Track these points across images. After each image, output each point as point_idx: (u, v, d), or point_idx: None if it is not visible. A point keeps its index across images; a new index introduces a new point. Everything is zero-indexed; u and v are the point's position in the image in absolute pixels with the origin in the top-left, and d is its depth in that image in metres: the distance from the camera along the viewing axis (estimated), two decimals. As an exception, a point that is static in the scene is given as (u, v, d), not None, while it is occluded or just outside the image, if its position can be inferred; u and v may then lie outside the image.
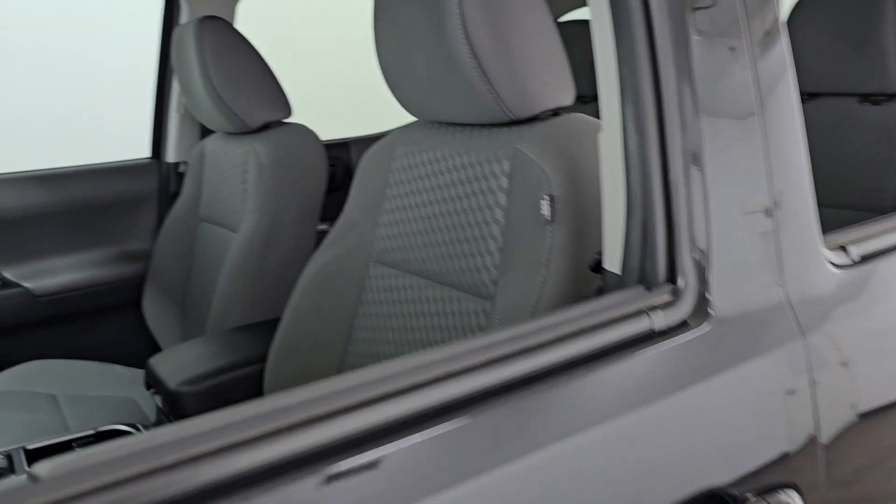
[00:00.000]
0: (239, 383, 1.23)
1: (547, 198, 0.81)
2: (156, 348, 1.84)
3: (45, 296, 1.81)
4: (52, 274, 1.84)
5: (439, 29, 0.86)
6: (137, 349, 1.91)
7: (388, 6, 0.96)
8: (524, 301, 0.81)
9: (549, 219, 0.80)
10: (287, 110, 1.56)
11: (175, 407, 1.19)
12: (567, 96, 0.91)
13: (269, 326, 1.24)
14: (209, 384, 1.20)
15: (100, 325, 1.91)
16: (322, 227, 2.08)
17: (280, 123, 1.57)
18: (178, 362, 1.26)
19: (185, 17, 1.83)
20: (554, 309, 0.78)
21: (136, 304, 1.88)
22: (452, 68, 0.88)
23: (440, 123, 1.04)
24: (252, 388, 1.22)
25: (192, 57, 1.51)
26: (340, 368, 1.14)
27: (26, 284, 1.79)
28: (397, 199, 1.08)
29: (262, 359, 1.22)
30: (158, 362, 1.27)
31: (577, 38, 2.21)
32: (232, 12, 1.89)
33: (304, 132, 1.55)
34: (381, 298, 1.09)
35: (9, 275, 1.80)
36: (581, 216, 0.81)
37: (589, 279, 0.79)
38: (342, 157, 2.29)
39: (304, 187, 1.52)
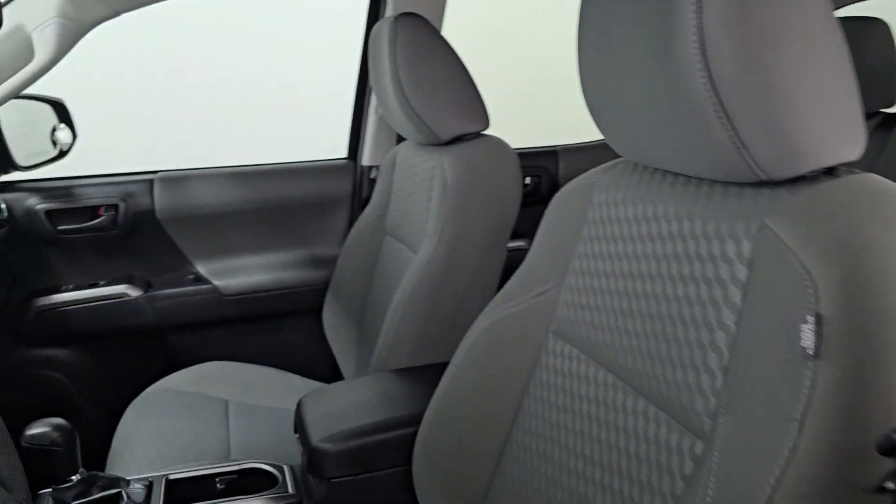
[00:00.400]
0: (385, 447, 1.05)
1: (811, 318, 0.52)
2: (333, 361, 1.75)
3: (232, 295, 1.79)
4: (239, 273, 1.82)
5: (665, 49, 0.59)
6: (317, 358, 1.85)
7: (597, 13, 0.71)
8: (758, 468, 0.53)
9: (813, 353, 0.51)
10: (483, 122, 1.36)
11: (312, 462, 1.05)
12: (853, 148, 0.60)
13: (433, 375, 1.06)
14: (352, 445, 1.04)
15: (281, 329, 1.86)
16: (516, 244, 1.87)
17: (475, 135, 1.37)
18: (327, 410, 1.12)
19: (389, 10, 1.69)
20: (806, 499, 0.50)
21: (318, 311, 1.80)
22: (679, 103, 0.61)
23: (655, 170, 0.77)
24: (399, 456, 1.04)
25: (385, 58, 1.36)
26: (502, 457, 0.92)
27: (215, 282, 1.79)
28: (590, 259, 0.83)
29: (417, 421, 1.04)
30: (307, 405, 1.14)
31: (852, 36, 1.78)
32: (441, 6, 1.73)
33: (499, 148, 1.34)
34: (556, 383, 0.85)
35: (202, 270, 1.81)
36: (866, 350, 0.51)
37: (872, 460, 0.49)
38: (548, 167, 2.06)
39: (492, 213, 1.31)
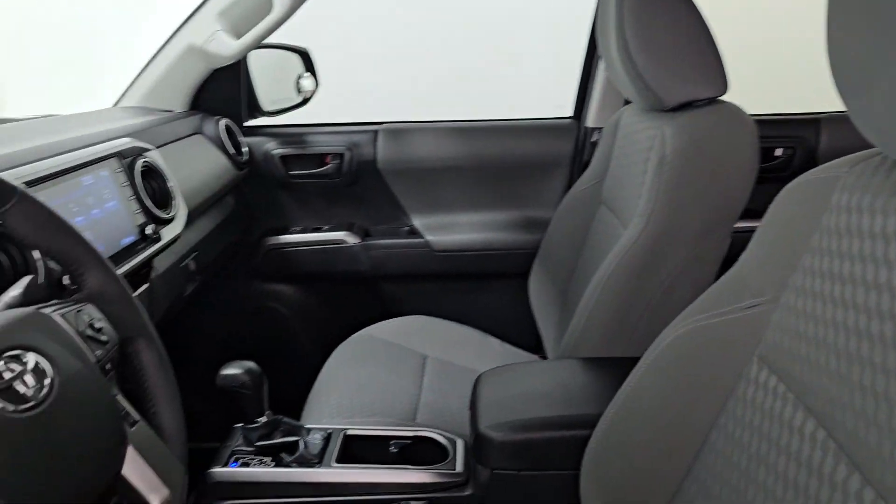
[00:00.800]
0: (555, 446, 0.97)
1: None
2: (536, 329, 1.69)
3: (442, 251, 1.79)
4: (452, 230, 1.81)
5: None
6: (520, 324, 1.79)
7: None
8: None
9: None
10: (718, 87, 1.15)
11: (477, 447, 0.99)
12: None
13: (621, 372, 0.94)
14: (519, 438, 0.96)
15: (487, 290, 1.83)
16: (747, 224, 1.62)
17: (707, 102, 1.18)
18: (501, 393, 1.05)
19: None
20: None
21: (526, 275, 1.73)
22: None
23: (924, 172, 0.57)
24: (569, 459, 0.94)
25: (611, 8, 1.21)
26: (677, 495, 0.79)
27: (428, 237, 1.79)
28: (817, 278, 0.65)
29: (593, 424, 0.93)
30: (483, 384, 1.09)
31: None
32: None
33: (733, 117, 1.13)
34: (753, 422, 0.69)
35: (417, 224, 1.82)
36: None
37: None
38: (806, 139, 1.75)
39: (716, 194, 1.12)
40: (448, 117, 1.82)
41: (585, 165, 1.66)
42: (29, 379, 0.58)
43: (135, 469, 0.69)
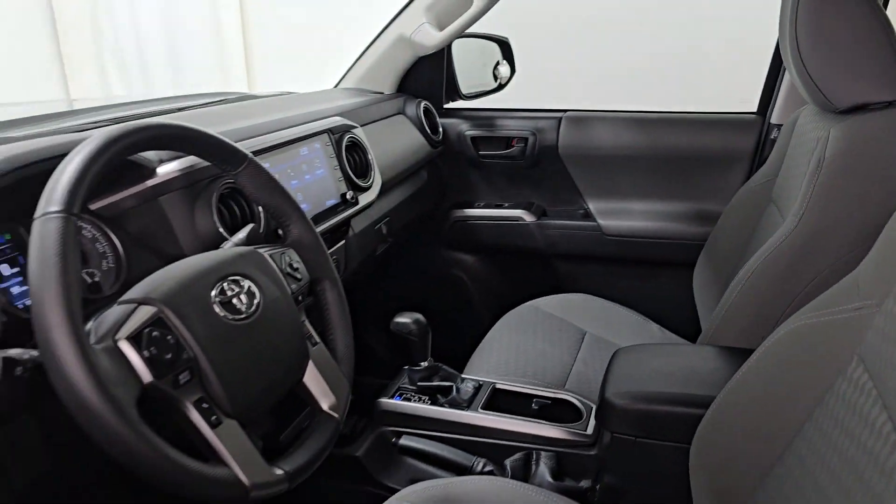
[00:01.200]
0: (671, 420, 1.05)
1: None
2: (697, 318, 1.72)
3: (612, 236, 1.87)
4: (623, 216, 1.88)
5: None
6: (681, 313, 1.83)
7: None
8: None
9: None
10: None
11: (600, 411, 1.10)
12: None
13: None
14: (639, 407, 1.06)
15: (652, 277, 1.89)
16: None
17: (884, 106, 1.16)
18: (632, 367, 1.15)
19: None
20: None
21: (693, 266, 1.77)
22: None
23: None
24: (683, 433, 1.02)
25: (788, 5, 1.22)
26: (767, 477, 0.85)
27: (600, 221, 1.88)
28: (913, 284, 0.69)
29: (709, 405, 1.00)
30: (619, 357, 1.19)
31: None
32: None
33: None
34: (843, 419, 0.74)
35: (591, 207, 1.92)
36: None
37: None
38: None
39: (877, 203, 1.11)
40: (631, 108, 1.88)
41: (764, 162, 1.65)
42: (243, 298, 0.80)
43: (312, 378, 0.90)
